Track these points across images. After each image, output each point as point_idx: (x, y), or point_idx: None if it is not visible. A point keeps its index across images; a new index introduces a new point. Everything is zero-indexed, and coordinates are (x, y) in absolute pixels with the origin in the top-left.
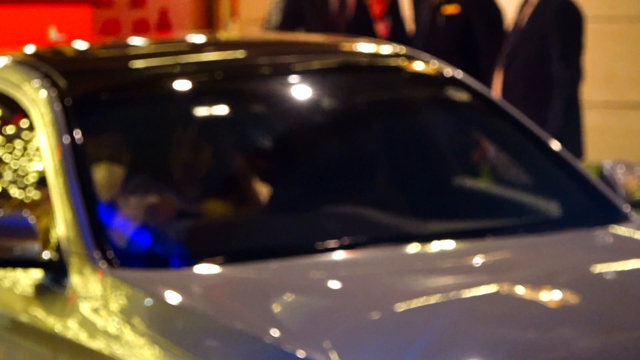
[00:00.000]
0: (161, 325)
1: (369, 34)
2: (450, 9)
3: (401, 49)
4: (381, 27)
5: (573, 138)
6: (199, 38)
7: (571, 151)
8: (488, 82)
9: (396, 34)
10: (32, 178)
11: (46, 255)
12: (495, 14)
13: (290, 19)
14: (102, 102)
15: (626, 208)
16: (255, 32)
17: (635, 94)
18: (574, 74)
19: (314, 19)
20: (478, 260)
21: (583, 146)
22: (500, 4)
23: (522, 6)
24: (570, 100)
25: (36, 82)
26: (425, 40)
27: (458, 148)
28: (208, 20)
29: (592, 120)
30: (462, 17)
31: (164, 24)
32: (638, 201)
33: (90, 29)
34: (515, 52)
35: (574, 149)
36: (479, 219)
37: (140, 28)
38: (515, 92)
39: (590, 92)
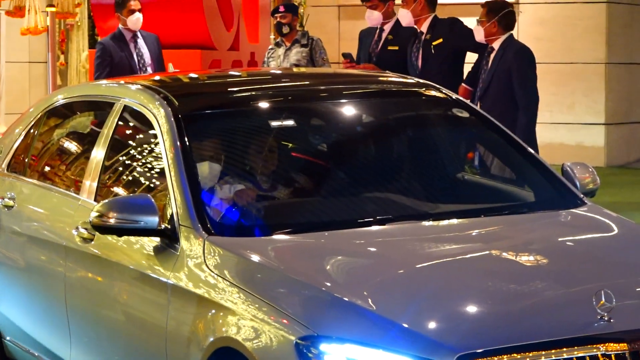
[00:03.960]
0: (244, 277)
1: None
2: (439, 42)
3: (419, 80)
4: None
5: (533, 143)
6: (276, 72)
7: None
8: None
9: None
10: (154, 170)
11: (163, 226)
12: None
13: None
14: (203, 117)
15: (582, 196)
16: (320, 69)
17: (591, 117)
18: (531, 98)
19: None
20: (474, 232)
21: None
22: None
23: (489, 53)
24: (530, 118)
25: (158, 101)
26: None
27: (460, 150)
28: None
29: (558, 136)
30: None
31: (252, 63)
32: (590, 190)
33: (200, 66)
34: (488, 86)
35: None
36: (475, 202)
37: (235, 66)
38: (491, 115)
39: (555, 116)
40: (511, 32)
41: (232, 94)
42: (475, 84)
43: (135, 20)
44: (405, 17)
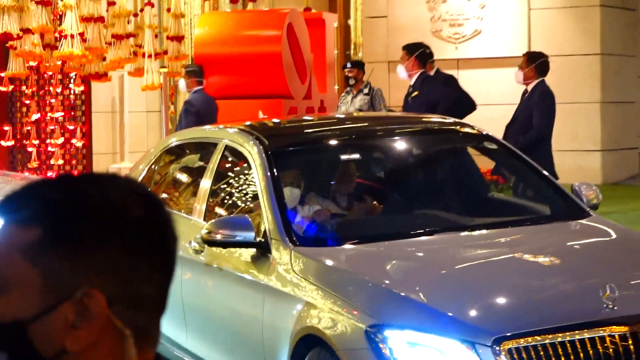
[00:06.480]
0: (322, 278)
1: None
2: (414, 94)
3: (456, 120)
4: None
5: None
6: (341, 117)
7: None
8: None
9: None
10: (249, 195)
11: (258, 239)
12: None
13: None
14: (288, 152)
15: (588, 209)
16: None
17: (590, 145)
18: (543, 130)
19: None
20: (502, 239)
21: (555, 172)
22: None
23: (523, 94)
24: (529, 140)
25: (252, 141)
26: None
27: (488, 174)
28: None
29: (565, 160)
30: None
31: (322, 109)
32: (594, 204)
33: (281, 112)
34: (515, 118)
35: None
36: (502, 216)
37: (309, 111)
38: (522, 143)
39: (562, 144)
40: (544, 77)
41: (308, 134)
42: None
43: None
44: (400, 72)
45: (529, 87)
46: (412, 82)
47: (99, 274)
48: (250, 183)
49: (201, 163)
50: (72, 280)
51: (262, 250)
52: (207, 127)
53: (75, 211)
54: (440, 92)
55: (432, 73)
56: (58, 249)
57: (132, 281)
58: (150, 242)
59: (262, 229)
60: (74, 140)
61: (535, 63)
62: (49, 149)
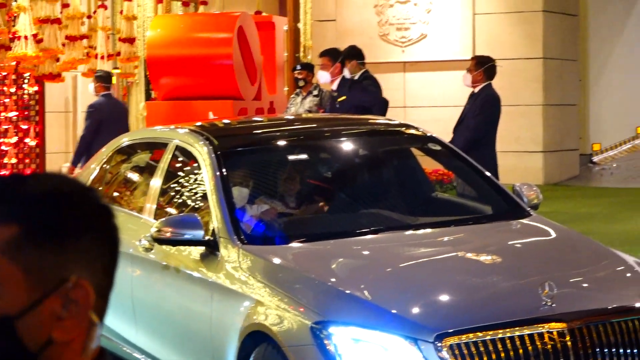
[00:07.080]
0: (270, 276)
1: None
2: (342, 99)
3: (401, 121)
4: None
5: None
6: (290, 118)
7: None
8: None
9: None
10: (199, 194)
11: (207, 237)
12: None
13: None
14: (237, 153)
15: (528, 209)
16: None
17: (532, 146)
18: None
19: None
20: (445, 238)
21: (497, 172)
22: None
23: (470, 97)
24: (465, 142)
25: (201, 142)
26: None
27: (433, 174)
28: None
29: (508, 161)
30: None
31: (271, 110)
32: (534, 204)
33: (231, 113)
34: (462, 120)
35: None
36: (446, 215)
37: (258, 112)
38: (459, 143)
39: (505, 145)
40: (491, 81)
41: (257, 135)
42: None
43: None
44: (322, 77)
45: (476, 90)
46: (335, 86)
47: (82, 265)
48: (200, 182)
49: (152, 163)
50: (57, 273)
51: (211, 249)
52: (158, 127)
53: (55, 206)
54: (370, 95)
55: (357, 77)
56: (40, 244)
57: (99, 271)
58: (110, 233)
59: (211, 228)
60: (27, 140)
61: (484, 67)
62: (3, 147)
